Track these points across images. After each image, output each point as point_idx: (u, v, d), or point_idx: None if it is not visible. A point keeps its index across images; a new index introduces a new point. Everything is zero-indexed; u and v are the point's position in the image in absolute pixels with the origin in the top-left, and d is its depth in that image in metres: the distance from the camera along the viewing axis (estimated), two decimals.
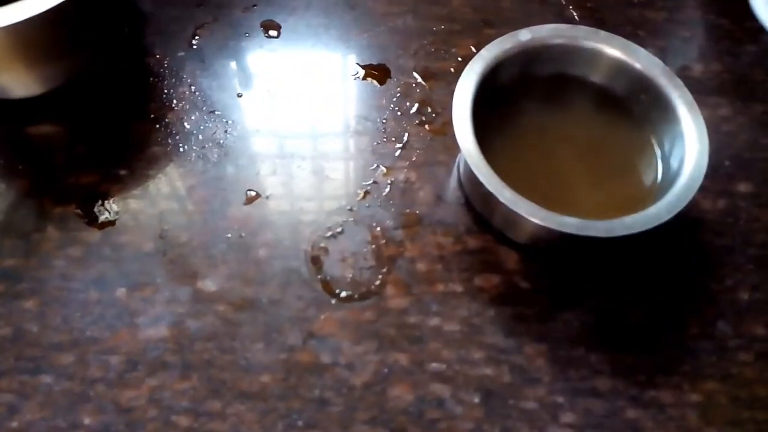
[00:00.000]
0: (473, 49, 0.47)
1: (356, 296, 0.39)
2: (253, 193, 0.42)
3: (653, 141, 0.40)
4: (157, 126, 0.44)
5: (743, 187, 0.43)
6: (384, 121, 0.44)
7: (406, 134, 0.44)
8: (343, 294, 0.39)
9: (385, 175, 0.43)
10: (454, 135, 0.36)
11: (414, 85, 0.46)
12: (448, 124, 0.37)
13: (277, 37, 0.48)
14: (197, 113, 0.44)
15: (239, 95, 0.45)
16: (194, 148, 0.43)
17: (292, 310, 0.38)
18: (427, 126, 0.44)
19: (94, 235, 0.40)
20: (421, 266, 0.40)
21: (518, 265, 0.40)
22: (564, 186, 0.39)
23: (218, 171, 0.42)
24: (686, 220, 0.41)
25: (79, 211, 0.41)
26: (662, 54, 0.46)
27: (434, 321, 0.38)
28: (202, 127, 0.44)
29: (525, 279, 0.39)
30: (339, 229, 0.41)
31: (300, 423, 0.35)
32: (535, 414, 0.36)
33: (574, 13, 0.49)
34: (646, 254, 0.40)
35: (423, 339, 0.38)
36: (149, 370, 0.37)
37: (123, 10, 0.47)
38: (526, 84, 0.41)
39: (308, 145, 0.44)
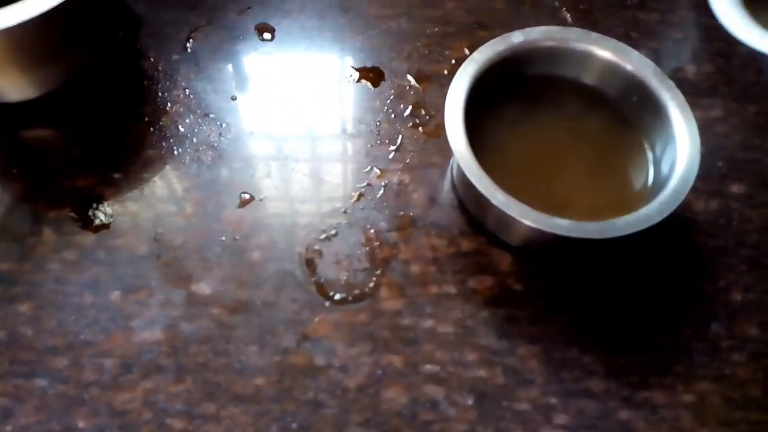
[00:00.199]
0: (467, 52, 0.47)
1: (350, 298, 0.39)
2: (247, 196, 0.42)
3: (645, 143, 0.40)
4: (152, 129, 0.44)
5: (736, 188, 0.43)
6: (378, 123, 0.45)
7: (400, 136, 0.44)
8: (337, 296, 0.39)
9: (379, 177, 0.43)
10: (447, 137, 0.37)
11: (408, 87, 0.46)
12: (442, 126, 0.37)
13: (271, 40, 0.48)
14: (192, 116, 0.44)
15: (233, 98, 0.45)
16: (189, 151, 0.43)
17: (286, 312, 0.38)
18: (420, 128, 0.44)
19: (88, 238, 0.40)
20: (414, 268, 0.40)
21: (511, 266, 0.40)
22: (556, 188, 0.39)
23: (212, 174, 0.42)
24: (679, 221, 0.41)
25: (73, 214, 0.41)
26: (655, 55, 0.46)
27: (428, 323, 0.38)
28: (196, 130, 0.44)
29: (518, 281, 0.40)
30: (333, 232, 0.41)
31: (294, 425, 0.36)
32: (528, 415, 0.36)
33: (568, 15, 0.49)
34: (638, 256, 0.40)
35: (417, 341, 0.38)
36: (144, 373, 0.37)
37: (117, 13, 0.47)
38: (518, 86, 0.41)
39: (302, 148, 0.44)
